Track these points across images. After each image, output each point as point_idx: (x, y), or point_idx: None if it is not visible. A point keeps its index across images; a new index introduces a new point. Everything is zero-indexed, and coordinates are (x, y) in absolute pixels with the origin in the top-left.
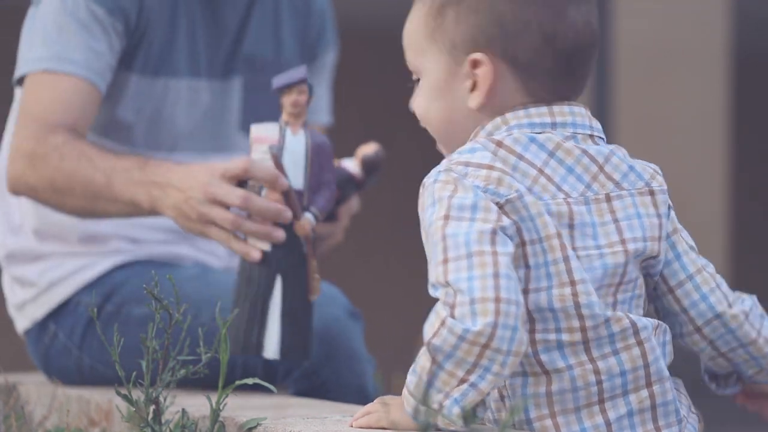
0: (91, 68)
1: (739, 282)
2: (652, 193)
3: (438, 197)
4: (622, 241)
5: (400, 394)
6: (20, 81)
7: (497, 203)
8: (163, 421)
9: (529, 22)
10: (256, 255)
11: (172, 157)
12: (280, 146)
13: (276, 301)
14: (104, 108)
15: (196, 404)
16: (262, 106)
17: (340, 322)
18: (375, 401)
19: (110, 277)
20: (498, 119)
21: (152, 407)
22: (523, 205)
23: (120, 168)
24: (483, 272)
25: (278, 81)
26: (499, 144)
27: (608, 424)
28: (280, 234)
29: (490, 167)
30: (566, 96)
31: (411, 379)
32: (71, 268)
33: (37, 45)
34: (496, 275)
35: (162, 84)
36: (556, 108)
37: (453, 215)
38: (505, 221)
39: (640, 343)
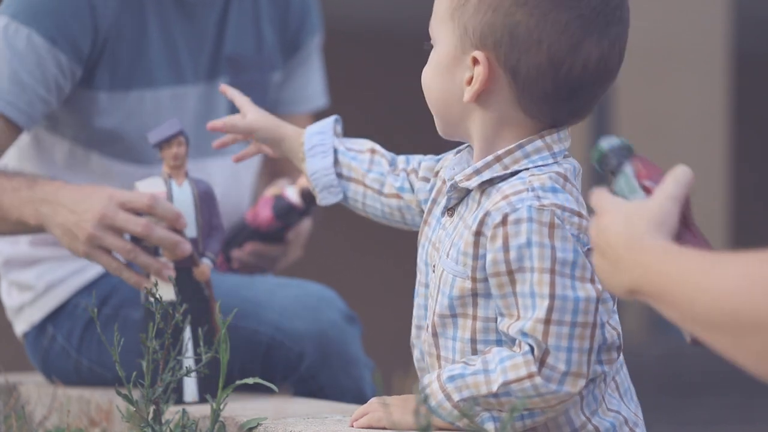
0: (10, 101)
1: None
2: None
3: (538, 242)
4: None
5: (399, 394)
6: None
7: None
8: (163, 421)
9: (540, 42)
10: (148, 285)
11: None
12: (168, 199)
13: (188, 345)
14: (81, 126)
15: (197, 404)
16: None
17: (336, 326)
18: (373, 400)
19: (107, 280)
20: (539, 142)
21: (152, 407)
22: None
23: (9, 188)
24: (581, 346)
25: (155, 136)
26: (565, 179)
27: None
28: (170, 272)
29: (580, 215)
30: (560, 122)
31: (461, 391)
32: (68, 271)
33: None
34: (590, 351)
35: (136, 97)
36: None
37: (558, 270)
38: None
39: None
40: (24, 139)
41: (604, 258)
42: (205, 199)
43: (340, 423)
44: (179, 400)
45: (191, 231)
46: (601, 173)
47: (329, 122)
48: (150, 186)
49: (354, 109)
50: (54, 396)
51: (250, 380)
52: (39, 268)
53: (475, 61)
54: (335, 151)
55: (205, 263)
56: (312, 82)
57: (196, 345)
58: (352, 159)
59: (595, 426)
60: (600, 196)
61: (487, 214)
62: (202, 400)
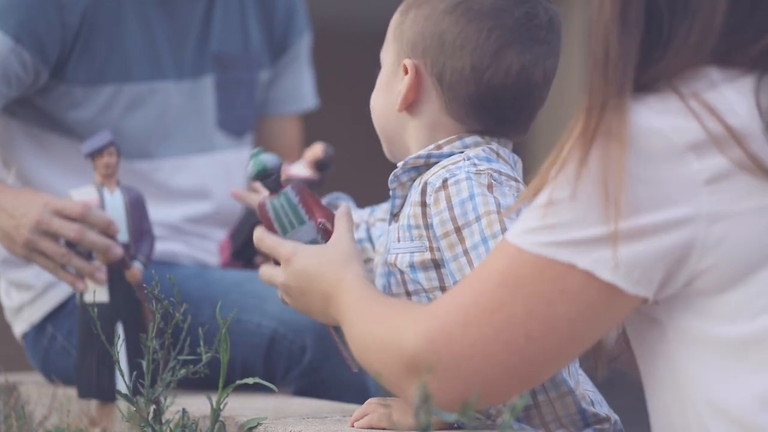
0: None
1: None
2: None
3: (480, 193)
4: None
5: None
6: None
7: None
8: (163, 420)
9: (464, 47)
10: (81, 286)
11: (155, 164)
12: (101, 206)
13: (122, 347)
14: (56, 120)
15: (197, 404)
16: (237, 103)
17: None
18: (372, 400)
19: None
20: (478, 137)
21: (152, 407)
22: None
23: None
24: None
25: (87, 147)
26: (498, 155)
27: None
28: (102, 276)
29: (516, 180)
30: (490, 131)
31: None
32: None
33: None
34: None
35: (113, 90)
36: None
37: (504, 213)
38: None
39: None
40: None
41: (309, 296)
42: (136, 206)
43: (340, 423)
44: (112, 399)
45: (123, 236)
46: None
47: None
48: (83, 194)
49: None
50: (54, 396)
51: (250, 380)
52: (38, 268)
53: (405, 70)
54: None
55: (136, 266)
56: (301, 82)
57: (128, 343)
58: None
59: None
60: (275, 240)
61: (427, 183)
62: (136, 393)
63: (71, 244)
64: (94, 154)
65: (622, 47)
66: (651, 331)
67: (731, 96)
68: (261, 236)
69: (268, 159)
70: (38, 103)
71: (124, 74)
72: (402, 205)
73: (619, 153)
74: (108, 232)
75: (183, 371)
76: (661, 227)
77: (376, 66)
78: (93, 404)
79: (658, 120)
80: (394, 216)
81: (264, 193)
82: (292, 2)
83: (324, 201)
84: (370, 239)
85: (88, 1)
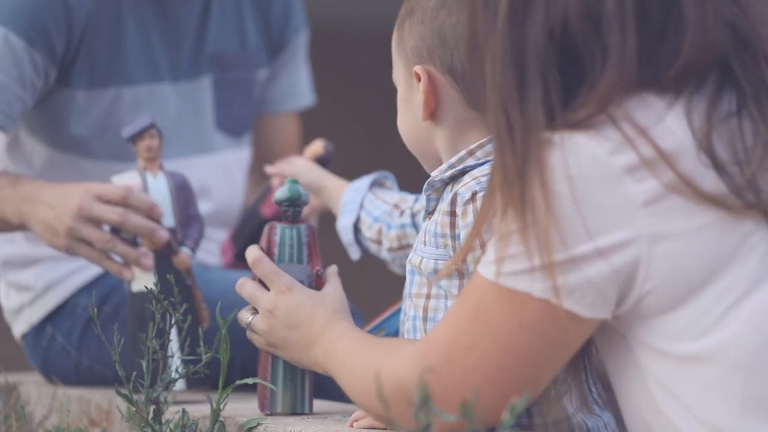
0: None
1: None
2: None
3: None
4: None
5: None
6: None
7: None
8: (163, 421)
9: (464, 34)
10: (128, 274)
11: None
12: (144, 190)
13: (173, 336)
14: (57, 126)
15: (197, 404)
16: (235, 103)
17: None
18: None
19: (107, 279)
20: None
21: (152, 407)
22: None
23: None
24: None
25: (128, 131)
26: None
27: None
28: (149, 262)
29: None
30: None
31: None
32: (67, 270)
33: None
34: None
35: (114, 93)
36: None
37: None
38: None
39: None
40: (2, 143)
41: (295, 331)
42: (181, 190)
43: (340, 423)
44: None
45: (169, 221)
46: None
47: (367, 180)
48: (125, 179)
49: (345, 109)
50: (54, 396)
51: (250, 380)
52: (37, 268)
53: (418, 77)
54: (362, 209)
55: (185, 252)
56: (298, 80)
57: (179, 333)
58: (374, 220)
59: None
60: (275, 269)
61: (456, 194)
62: (189, 387)
63: (116, 232)
64: (135, 138)
65: (524, 115)
66: (617, 342)
67: (668, 117)
68: (259, 259)
69: (303, 191)
70: (41, 111)
71: (124, 77)
72: (435, 207)
73: (553, 184)
74: (152, 215)
75: (183, 371)
76: (605, 251)
77: (375, 65)
78: (93, 404)
79: (593, 146)
80: (429, 214)
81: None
82: (289, 0)
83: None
84: (414, 225)
85: (91, 4)
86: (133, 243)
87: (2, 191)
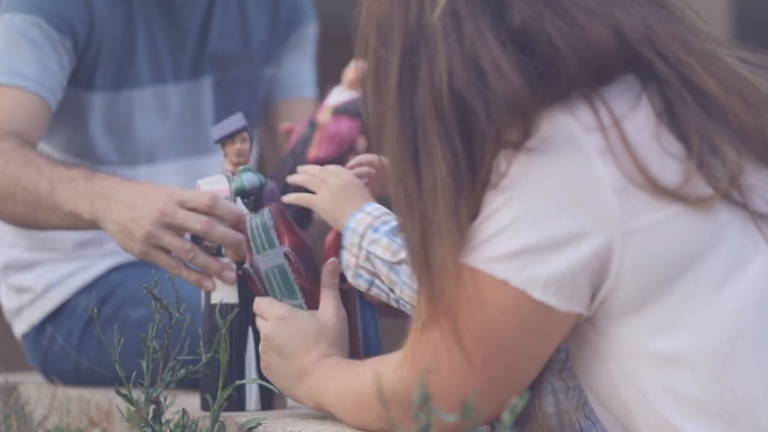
0: (43, 84)
1: None
2: None
3: None
4: None
5: None
6: None
7: None
8: (163, 420)
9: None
10: (209, 285)
11: (153, 169)
12: (233, 197)
13: (251, 353)
14: (73, 130)
15: (196, 404)
16: (235, 103)
17: None
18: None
19: (106, 279)
20: None
21: (152, 407)
22: None
23: (66, 177)
24: None
25: (219, 132)
26: None
27: None
28: (232, 275)
29: None
30: None
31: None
32: (67, 271)
33: None
34: None
35: (125, 96)
36: None
37: None
38: None
39: None
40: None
41: (286, 361)
42: (269, 197)
43: (340, 423)
44: (240, 408)
45: None
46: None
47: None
48: (212, 184)
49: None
50: (54, 396)
51: (249, 380)
52: (37, 271)
53: None
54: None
55: None
56: (304, 70)
57: (258, 350)
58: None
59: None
60: (267, 302)
61: None
62: (264, 407)
63: (196, 240)
64: (225, 140)
65: (419, 185)
66: (587, 349)
67: (638, 108)
68: (255, 302)
69: (249, 179)
70: (57, 115)
71: (133, 80)
72: None
73: (528, 165)
74: (238, 226)
75: (183, 371)
76: (578, 236)
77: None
78: (93, 404)
79: (570, 126)
80: None
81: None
82: None
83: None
84: None
85: (107, 5)
86: (216, 252)
87: (77, 184)
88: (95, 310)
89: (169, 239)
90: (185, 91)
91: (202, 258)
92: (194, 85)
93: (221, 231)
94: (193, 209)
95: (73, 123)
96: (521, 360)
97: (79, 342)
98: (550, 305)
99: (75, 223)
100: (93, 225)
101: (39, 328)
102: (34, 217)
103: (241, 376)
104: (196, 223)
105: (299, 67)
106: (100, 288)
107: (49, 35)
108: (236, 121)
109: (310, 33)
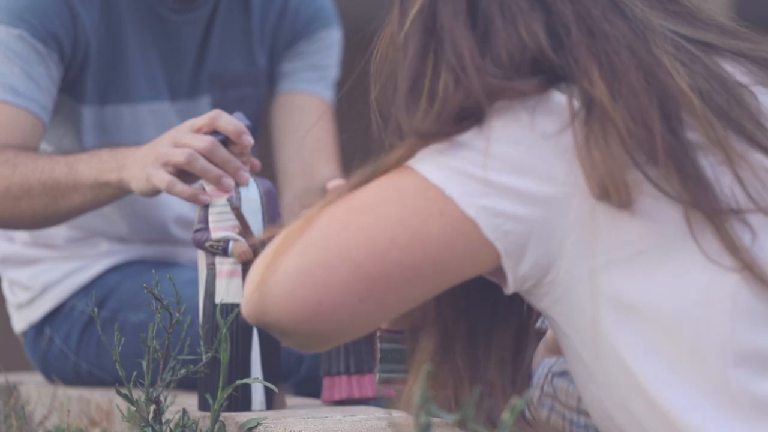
0: (34, 100)
1: None
2: None
3: None
4: None
5: (401, 393)
6: None
7: None
8: (163, 420)
9: None
10: (205, 198)
11: None
12: (238, 197)
13: (255, 353)
14: (64, 143)
15: (197, 404)
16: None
17: None
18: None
19: (103, 281)
20: None
21: (153, 407)
22: None
23: (85, 155)
24: None
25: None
26: None
27: None
28: (247, 175)
29: None
30: None
31: None
32: (64, 272)
33: None
34: None
35: (113, 110)
36: None
37: None
38: None
39: None
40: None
41: None
42: (270, 198)
43: (340, 423)
44: (245, 408)
45: (258, 230)
46: None
47: None
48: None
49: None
50: (54, 396)
51: (250, 380)
52: (34, 269)
53: None
54: None
55: None
56: (314, 69)
57: (263, 350)
58: None
59: None
60: None
61: None
62: (269, 408)
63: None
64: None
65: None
66: (558, 334)
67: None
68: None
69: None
70: (49, 128)
71: (123, 95)
72: None
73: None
74: (240, 141)
75: (183, 371)
76: (535, 197)
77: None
78: (93, 404)
79: (566, 106)
80: None
81: None
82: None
83: None
84: None
85: (95, 17)
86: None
87: (100, 156)
88: (95, 310)
89: (173, 151)
90: (183, 110)
91: (202, 163)
92: (192, 104)
93: (224, 154)
94: (199, 129)
95: (68, 136)
96: (425, 268)
97: (77, 345)
98: (477, 223)
99: (99, 194)
100: (120, 187)
101: (37, 329)
102: (54, 205)
103: (246, 376)
104: (201, 142)
105: (310, 64)
106: (98, 290)
107: (35, 48)
108: (238, 120)
109: (328, 39)
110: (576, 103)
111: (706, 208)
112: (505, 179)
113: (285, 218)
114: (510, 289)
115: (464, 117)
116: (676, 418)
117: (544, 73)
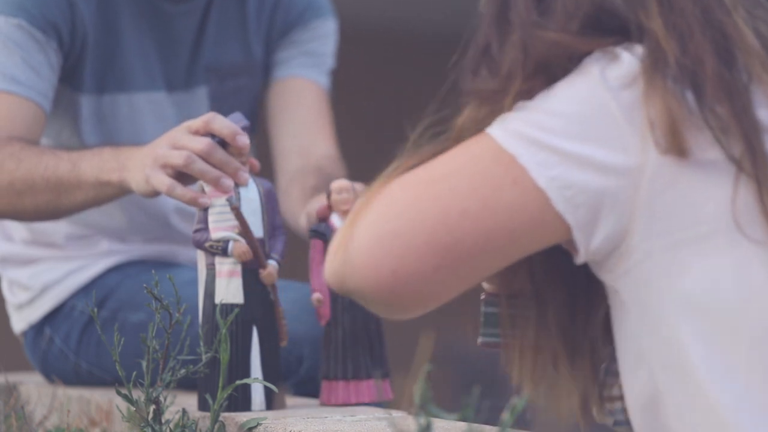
0: (35, 88)
1: None
2: None
3: None
4: None
5: (402, 396)
6: None
7: None
8: (163, 420)
9: None
10: (205, 201)
11: None
12: (237, 197)
13: (255, 352)
14: (64, 134)
15: (196, 404)
16: (231, 113)
17: None
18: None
19: (103, 281)
20: None
21: (152, 407)
22: None
23: (89, 153)
24: None
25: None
26: None
27: None
28: (246, 176)
29: None
30: None
31: None
32: (64, 272)
33: None
34: None
35: (110, 99)
36: None
37: None
38: None
39: None
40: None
41: None
42: (269, 198)
43: (340, 423)
44: (246, 409)
45: (258, 231)
46: None
47: None
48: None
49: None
50: (54, 396)
51: (250, 380)
52: (33, 269)
53: None
54: None
55: (273, 265)
56: (295, 55)
57: (263, 350)
58: None
59: None
60: None
61: None
62: (269, 408)
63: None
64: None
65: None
66: (619, 311)
67: None
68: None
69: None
70: (49, 119)
71: (119, 84)
72: None
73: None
74: (234, 142)
75: (183, 371)
76: (607, 167)
77: (368, 66)
78: (93, 404)
79: (632, 57)
80: None
81: None
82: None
83: None
84: None
85: (92, 7)
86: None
87: (102, 154)
88: (95, 310)
89: (171, 152)
90: (180, 101)
91: (200, 164)
92: (188, 95)
93: (221, 156)
94: (196, 131)
95: (67, 126)
96: (496, 238)
97: (77, 345)
98: (548, 195)
99: (101, 192)
100: (121, 187)
101: (37, 329)
102: (56, 202)
103: (246, 376)
104: (199, 143)
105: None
106: (98, 290)
107: (34, 36)
108: (236, 120)
109: (322, 28)
110: (639, 54)
111: (760, 161)
112: (577, 148)
113: (280, 199)
114: (581, 258)
115: (531, 76)
116: (723, 415)
117: (607, 30)
